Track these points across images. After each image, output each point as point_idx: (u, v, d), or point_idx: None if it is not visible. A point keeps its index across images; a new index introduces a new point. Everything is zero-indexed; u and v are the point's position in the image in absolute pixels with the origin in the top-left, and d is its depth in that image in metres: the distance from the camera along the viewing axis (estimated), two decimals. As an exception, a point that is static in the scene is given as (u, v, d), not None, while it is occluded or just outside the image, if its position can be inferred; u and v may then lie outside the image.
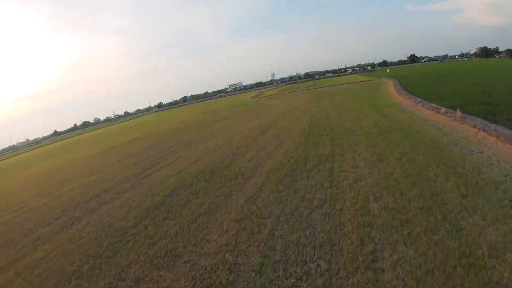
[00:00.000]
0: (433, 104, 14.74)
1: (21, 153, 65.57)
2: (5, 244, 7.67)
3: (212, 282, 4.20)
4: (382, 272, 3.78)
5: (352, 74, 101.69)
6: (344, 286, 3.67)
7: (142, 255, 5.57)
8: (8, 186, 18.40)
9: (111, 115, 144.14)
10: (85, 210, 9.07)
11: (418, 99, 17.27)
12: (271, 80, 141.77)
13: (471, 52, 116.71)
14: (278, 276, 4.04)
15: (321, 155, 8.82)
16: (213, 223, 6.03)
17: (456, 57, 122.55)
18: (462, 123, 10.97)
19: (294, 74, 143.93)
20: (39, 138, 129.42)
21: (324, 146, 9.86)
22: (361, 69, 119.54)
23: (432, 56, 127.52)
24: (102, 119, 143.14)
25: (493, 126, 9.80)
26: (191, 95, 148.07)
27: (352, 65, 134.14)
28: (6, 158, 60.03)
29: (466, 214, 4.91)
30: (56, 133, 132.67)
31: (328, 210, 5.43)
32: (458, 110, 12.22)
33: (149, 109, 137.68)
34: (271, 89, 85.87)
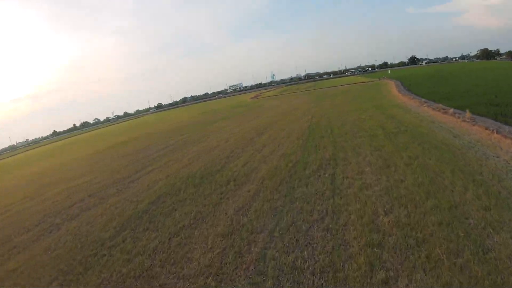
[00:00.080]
0: (440, 105, 13.98)
1: (19, 153, 65.37)
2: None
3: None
4: (400, 311, 2.99)
5: (352, 75, 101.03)
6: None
7: (115, 274, 4.87)
8: (0, 187, 18.12)
9: (110, 116, 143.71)
10: (66, 217, 8.50)
11: (423, 100, 16.51)
12: (271, 81, 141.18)
13: (472, 54, 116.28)
14: (268, 312, 3.25)
15: (321, 159, 8.02)
16: (198, 238, 5.24)
17: (457, 58, 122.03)
18: (473, 125, 10.23)
19: (294, 75, 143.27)
20: (38, 138, 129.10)
21: (325, 149, 9.05)
22: (362, 70, 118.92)
23: (432, 58, 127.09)
24: (101, 119, 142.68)
25: (507, 128, 9.07)
26: (191, 96, 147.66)
27: (353, 67, 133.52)
28: (5, 158, 59.92)
29: (491, 230, 4.16)
30: (55, 133, 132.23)
31: (331, 225, 4.64)
32: (467, 111, 11.49)
33: (147, 110, 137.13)
34: (270, 90, 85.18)
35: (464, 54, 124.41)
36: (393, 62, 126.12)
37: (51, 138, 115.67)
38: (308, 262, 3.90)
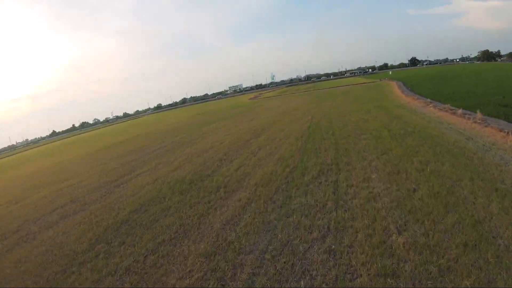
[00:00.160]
0: (447, 105, 13.21)
1: (17, 153, 64.96)
2: None
3: None
4: None
5: (351, 76, 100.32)
6: None
7: (78, 298, 4.11)
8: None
9: (110, 116, 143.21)
10: (45, 224, 7.92)
11: (428, 100, 15.76)
12: (271, 82, 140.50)
13: (471, 56, 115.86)
14: None
15: (322, 163, 7.21)
16: (177, 257, 4.46)
17: (457, 60, 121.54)
18: (485, 126, 9.48)
19: (294, 76, 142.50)
20: (37, 138, 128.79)
21: (326, 152, 8.24)
22: (362, 71, 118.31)
23: (432, 59, 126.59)
24: (101, 119, 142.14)
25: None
26: (191, 97, 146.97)
27: (352, 68, 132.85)
28: (2, 158, 59.63)
29: (527, 254, 3.39)
30: (54, 133, 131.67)
31: (333, 246, 3.85)
32: (478, 111, 10.75)
33: (146, 111, 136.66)
34: (270, 91, 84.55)
35: (464, 55, 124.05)
36: (394, 64, 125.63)
37: (50, 138, 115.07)
38: (306, 296, 3.12)
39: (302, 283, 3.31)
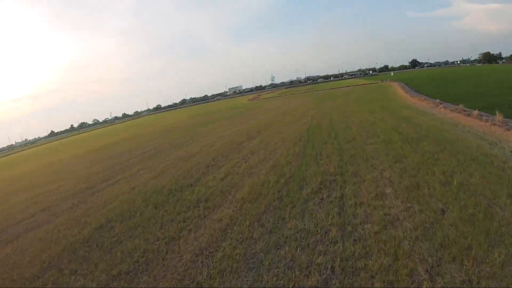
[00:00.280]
0: (460, 106, 12.08)
1: (15, 153, 64.41)
2: None
3: None
4: None
5: (351, 78, 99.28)
6: None
7: None
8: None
9: (109, 117, 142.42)
10: (6, 238, 7.16)
11: (438, 101, 14.63)
12: (271, 84, 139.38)
13: (472, 58, 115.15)
14: None
15: (324, 173, 6.02)
16: (128, 303, 3.31)
17: (458, 62, 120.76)
18: (508, 130, 8.36)
19: (294, 78, 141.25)
20: (36, 138, 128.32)
21: (329, 159, 7.05)
22: (362, 73, 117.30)
23: (432, 62, 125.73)
24: (101, 120, 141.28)
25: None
26: (190, 98, 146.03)
27: (353, 70, 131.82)
28: (1, 157, 59.19)
29: None
30: (52, 133, 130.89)
31: (340, 302, 2.69)
32: (498, 112, 9.63)
33: (146, 111, 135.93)
34: (270, 92, 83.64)
35: (464, 58, 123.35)
36: (394, 66, 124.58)
37: (48, 138, 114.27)
38: None
39: None
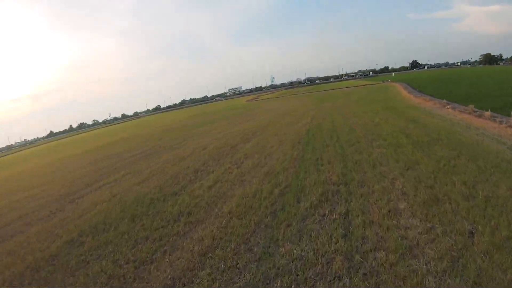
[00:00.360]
0: (470, 107, 11.33)
1: (13, 153, 63.94)
2: None
3: None
4: None
5: (351, 79, 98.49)
6: None
7: None
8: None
9: (108, 117, 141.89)
10: None
11: (444, 101, 13.88)
12: (271, 85, 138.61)
13: (472, 60, 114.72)
14: None
15: (326, 182, 5.25)
16: None
17: (459, 64, 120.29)
18: (526, 132, 7.62)
19: (294, 79, 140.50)
20: (35, 138, 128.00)
21: (331, 165, 6.25)
22: (363, 74, 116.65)
23: (433, 63, 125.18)
24: (100, 120, 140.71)
25: None
26: (190, 98, 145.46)
27: (353, 71, 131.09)
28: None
29: None
30: (51, 133, 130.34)
31: None
32: (513, 113, 8.90)
33: (145, 112, 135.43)
34: (269, 93, 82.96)
35: (464, 59, 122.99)
36: (394, 67, 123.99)
37: (47, 139, 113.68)
38: None
39: None
